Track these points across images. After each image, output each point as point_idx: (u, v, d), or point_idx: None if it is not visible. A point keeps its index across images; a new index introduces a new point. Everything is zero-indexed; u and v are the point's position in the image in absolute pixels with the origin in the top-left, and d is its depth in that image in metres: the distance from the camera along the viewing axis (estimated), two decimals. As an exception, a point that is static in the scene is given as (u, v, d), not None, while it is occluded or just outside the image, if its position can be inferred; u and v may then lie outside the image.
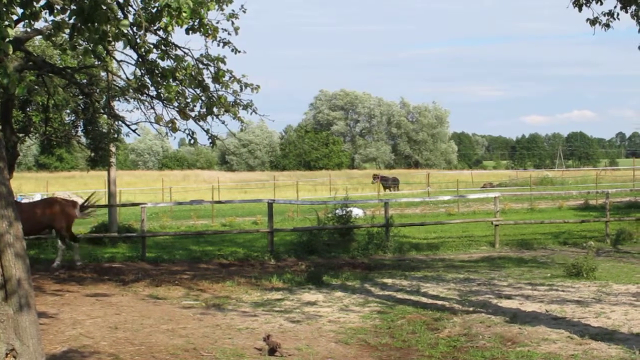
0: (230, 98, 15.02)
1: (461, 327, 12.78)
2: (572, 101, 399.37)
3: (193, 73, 13.60)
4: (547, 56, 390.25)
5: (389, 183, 69.20)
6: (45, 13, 7.18)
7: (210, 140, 15.43)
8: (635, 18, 16.93)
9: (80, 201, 23.36)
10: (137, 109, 18.83)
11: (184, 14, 9.01)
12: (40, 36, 16.52)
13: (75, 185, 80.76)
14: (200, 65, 13.80)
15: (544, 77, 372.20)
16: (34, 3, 6.88)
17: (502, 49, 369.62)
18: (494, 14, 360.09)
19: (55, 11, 6.99)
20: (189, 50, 13.34)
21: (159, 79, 13.83)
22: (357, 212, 31.98)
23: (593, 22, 16.97)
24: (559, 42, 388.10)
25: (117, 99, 20.77)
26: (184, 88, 14.16)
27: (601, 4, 16.88)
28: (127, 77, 16.02)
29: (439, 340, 12.00)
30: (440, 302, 15.12)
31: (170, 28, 9.72)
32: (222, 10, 13.35)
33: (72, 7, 6.70)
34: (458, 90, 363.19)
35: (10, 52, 6.35)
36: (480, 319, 13.21)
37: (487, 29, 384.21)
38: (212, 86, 14.43)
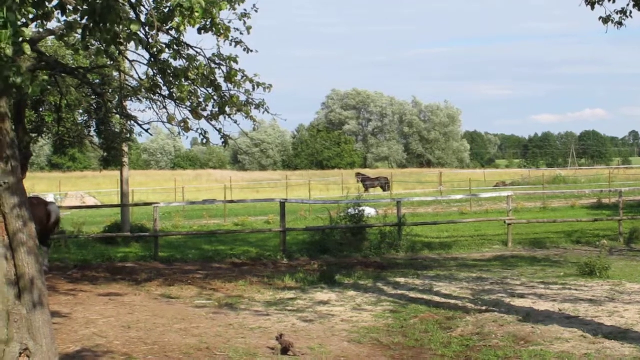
0: (243, 97, 14.98)
1: (474, 326, 12.77)
2: (584, 100, 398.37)
3: (205, 73, 13.58)
4: (558, 55, 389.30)
5: (375, 183, 67.78)
6: (58, 13, 7.20)
7: (222, 140, 15.41)
8: (648, 16, 16.87)
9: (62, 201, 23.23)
10: (150, 108, 18.81)
11: (196, 14, 9.01)
12: (52, 36, 16.52)
13: (88, 185, 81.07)
14: (213, 65, 13.78)
15: (555, 76, 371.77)
16: (47, 3, 6.90)
17: (513, 47, 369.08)
18: (504, 13, 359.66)
19: (68, 12, 7.01)
20: (201, 50, 13.32)
21: (171, 78, 13.80)
22: (369, 211, 31.95)
23: (606, 20, 16.89)
24: (570, 41, 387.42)
25: (129, 99, 20.76)
26: (196, 88, 14.13)
27: (614, 2, 16.80)
28: (139, 77, 16.00)
29: (451, 339, 11.99)
30: (453, 301, 15.11)
31: (182, 28, 9.72)
32: (234, 9, 13.31)
33: (84, 7, 6.72)
34: (469, 89, 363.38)
35: (29, 52, 6.37)
36: (493, 318, 13.19)
37: (497, 28, 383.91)
38: (224, 86, 14.40)
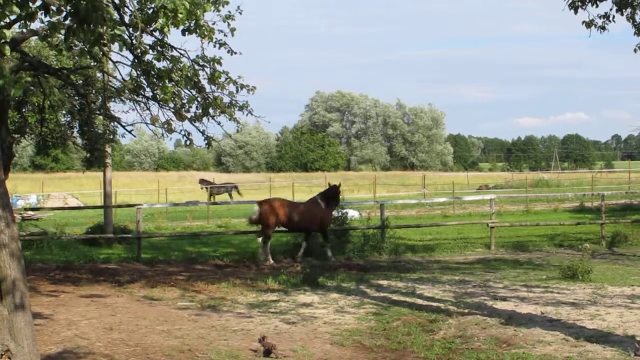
0: (226, 99, 14.97)
1: (456, 328, 12.78)
2: (566, 103, 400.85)
3: (189, 74, 13.56)
4: (541, 58, 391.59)
5: (221, 190, 64.15)
6: (41, 14, 7.17)
7: (206, 142, 15.40)
8: (631, 20, 16.98)
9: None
10: (133, 110, 18.74)
11: (180, 15, 9.02)
12: (36, 37, 16.45)
13: (71, 186, 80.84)
14: (196, 67, 13.76)
15: (537, 79, 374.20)
16: (30, 4, 6.88)
17: (497, 50, 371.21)
18: (488, 16, 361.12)
19: (51, 12, 6.99)
20: (185, 51, 13.30)
21: (154, 80, 13.79)
22: (352, 213, 31.94)
23: (589, 24, 17.00)
24: (553, 44, 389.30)
25: (112, 99, 20.71)
26: (179, 89, 14.10)
27: (597, 6, 16.91)
28: (122, 78, 15.98)
29: (434, 342, 12.00)
30: (435, 304, 15.12)
31: (166, 29, 9.72)
32: (218, 11, 13.29)
33: (68, 8, 6.70)
34: (453, 91, 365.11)
35: (8, 53, 6.35)
36: (475, 321, 13.22)
37: (481, 31, 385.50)
38: (208, 87, 14.39)
